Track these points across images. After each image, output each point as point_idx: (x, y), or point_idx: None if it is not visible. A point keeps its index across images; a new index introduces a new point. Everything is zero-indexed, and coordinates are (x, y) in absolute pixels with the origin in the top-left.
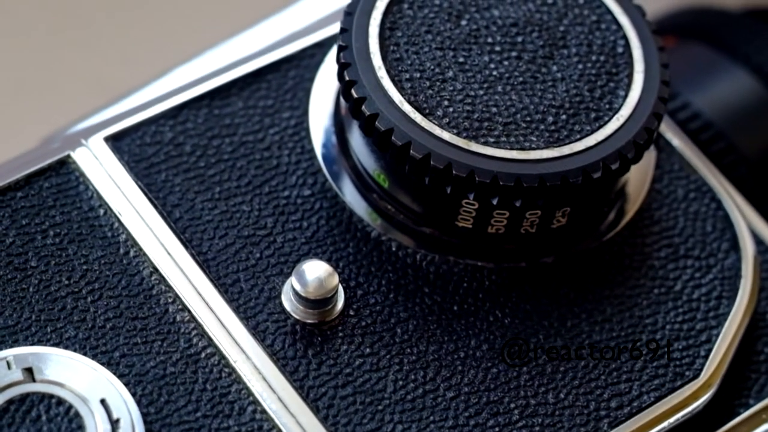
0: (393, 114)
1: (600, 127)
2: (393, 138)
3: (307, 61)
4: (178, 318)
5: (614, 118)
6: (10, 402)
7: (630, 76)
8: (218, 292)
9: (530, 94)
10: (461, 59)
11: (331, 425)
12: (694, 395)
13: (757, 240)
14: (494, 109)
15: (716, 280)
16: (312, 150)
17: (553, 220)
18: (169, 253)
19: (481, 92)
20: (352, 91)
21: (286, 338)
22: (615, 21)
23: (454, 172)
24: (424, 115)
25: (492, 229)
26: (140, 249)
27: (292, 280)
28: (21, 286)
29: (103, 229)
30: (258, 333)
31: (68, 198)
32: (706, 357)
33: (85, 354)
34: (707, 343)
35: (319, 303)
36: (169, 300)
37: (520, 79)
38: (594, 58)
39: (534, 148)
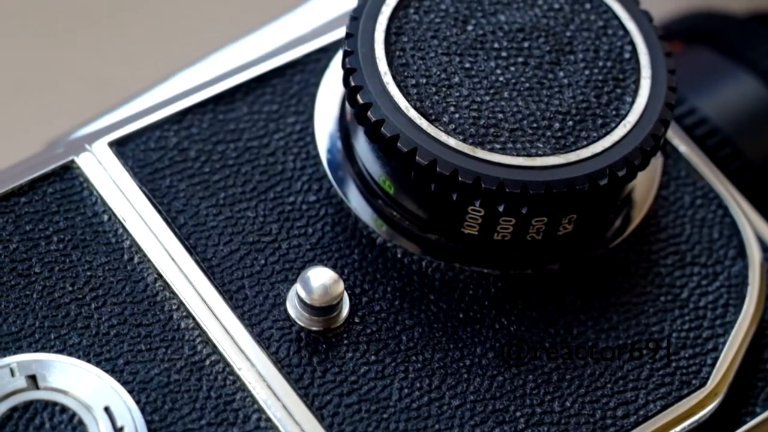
0: (399, 120)
1: (607, 133)
2: (399, 144)
3: (312, 65)
4: (183, 325)
5: (621, 124)
6: (13, 409)
7: (637, 82)
8: (223, 299)
9: (537, 100)
10: (467, 65)
11: None
12: (700, 404)
13: (764, 247)
14: (500, 116)
15: (723, 288)
16: (317, 155)
17: (560, 227)
18: (173, 260)
19: (488, 98)
20: (358, 97)
21: (291, 345)
22: (622, 26)
23: (460, 178)
24: (430, 122)
25: (498, 236)
26: (144, 255)
27: (297, 287)
28: (25, 292)
29: (107, 235)
30: (263, 340)
31: (72, 203)
32: (713, 365)
33: (89, 361)
34: (714, 351)
35: (324, 310)
36: (174, 306)
37: (527, 84)
38: (601, 63)
39: (540, 155)
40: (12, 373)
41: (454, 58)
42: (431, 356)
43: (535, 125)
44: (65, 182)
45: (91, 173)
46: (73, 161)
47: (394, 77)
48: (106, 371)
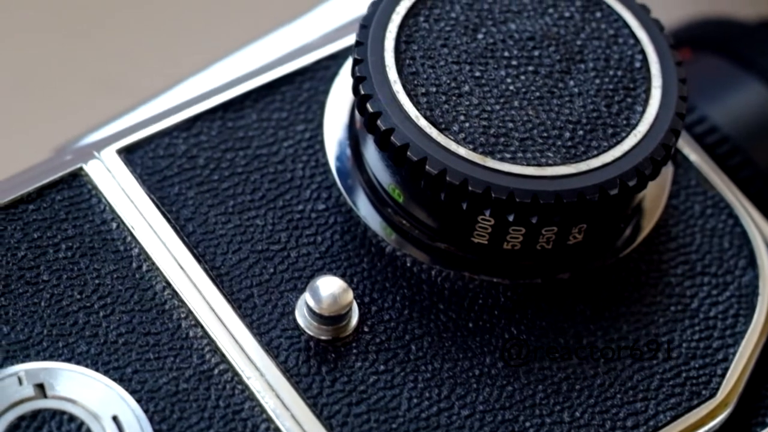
0: (409, 129)
1: (617, 143)
2: (409, 153)
3: (321, 73)
4: (191, 334)
5: (631, 134)
6: (21, 418)
7: (647, 92)
8: (231, 308)
9: (547, 110)
10: (477, 73)
11: None
12: (710, 414)
13: None
14: (511, 125)
15: (733, 298)
16: (326, 163)
17: (570, 237)
18: (182, 268)
19: (498, 107)
20: (368, 105)
21: (300, 355)
22: (632, 35)
23: (470, 188)
24: (440, 130)
25: (508, 246)
26: (153, 263)
27: (306, 296)
28: (33, 300)
29: (116, 243)
30: (271, 349)
31: (80, 211)
32: (723, 375)
33: (97, 370)
34: (724, 361)
35: (333, 319)
36: (182, 315)
37: (537, 94)
38: (611, 73)
39: (551, 165)
40: (20, 382)
41: (464, 66)
42: (440, 366)
43: (545, 134)
44: (73, 189)
45: (99, 181)
46: (81, 168)
47: (404, 86)
48: (114, 380)
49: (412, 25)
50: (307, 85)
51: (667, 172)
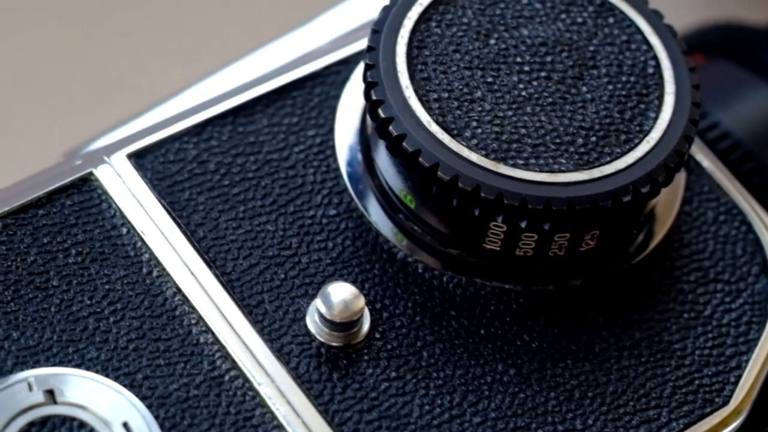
0: (420, 135)
1: (630, 149)
2: (420, 159)
3: (332, 77)
4: (202, 340)
5: (644, 140)
6: (31, 424)
7: (660, 98)
8: (242, 314)
9: (560, 116)
10: (490, 79)
11: None
12: (723, 422)
13: None
14: (523, 131)
15: (746, 305)
16: (338, 169)
17: (582, 243)
18: (192, 274)
19: (510, 113)
20: (379, 111)
21: (311, 361)
22: (645, 41)
23: (482, 194)
24: (452, 136)
25: (520, 252)
26: (163, 269)
27: (317, 302)
28: (42, 305)
29: (126, 248)
30: (282, 355)
31: (91, 216)
32: (736, 383)
33: (107, 375)
34: (737, 369)
35: (345, 326)
36: (193, 321)
37: (550, 99)
38: (624, 78)
39: (563, 171)
40: (29, 388)
41: (476, 72)
42: (452, 373)
43: (558, 141)
44: (83, 194)
45: (109, 185)
46: (91, 173)
47: (415, 91)
48: (125, 386)
49: (424, 30)
50: (318, 90)
51: (680, 178)
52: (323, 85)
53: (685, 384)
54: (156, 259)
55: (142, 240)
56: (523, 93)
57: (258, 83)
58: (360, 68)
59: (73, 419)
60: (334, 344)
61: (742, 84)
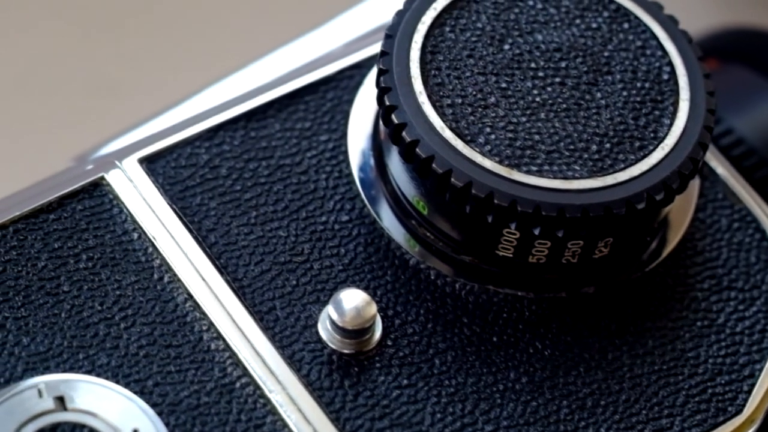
0: (434, 140)
1: (644, 156)
2: (434, 165)
3: (345, 82)
4: (213, 346)
5: (659, 147)
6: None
7: (675, 104)
8: (253, 320)
9: (574, 122)
10: (504, 85)
11: None
12: (736, 431)
13: None
14: (537, 137)
15: (760, 313)
16: (350, 174)
17: (595, 251)
18: (203, 279)
19: (524, 119)
20: (393, 117)
21: (323, 368)
22: (660, 47)
23: (495, 201)
24: (466, 142)
25: (533, 259)
26: (175, 275)
27: (329, 309)
28: (53, 311)
29: (137, 254)
30: (294, 362)
31: (102, 221)
32: (749, 392)
33: (117, 382)
34: (750, 377)
35: (357, 333)
36: (204, 327)
37: (564, 105)
38: (639, 85)
39: (577, 178)
40: (39, 394)
41: (490, 77)
42: (464, 380)
43: (572, 147)
44: (95, 199)
45: (121, 190)
46: (102, 178)
47: (429, 97)
48: (135, 393)
49: (438, 35)
50: (330, 94)
51: (694, 184)
52: (336, 89)
53: (698, 392)
54: (167, 264)
55: (153, 245)
56: (537, 99)
57: (270, 87)
58: (373, 73)
59: (83, 426)
60: (345, 351)
61: (756, 90)
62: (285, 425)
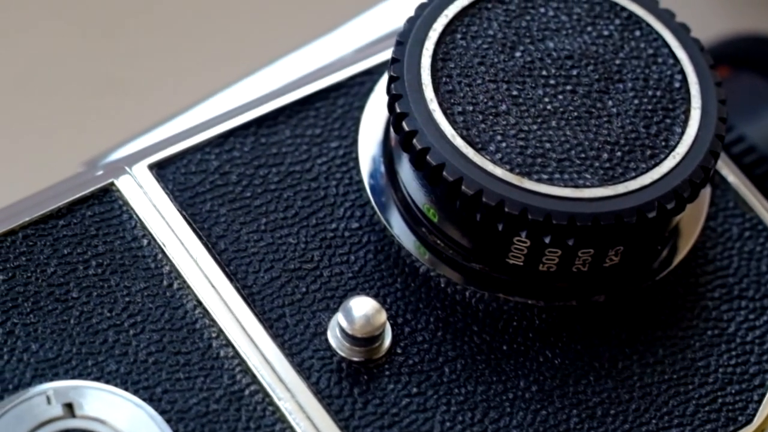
0: (444, 148)
1: (655, 165)
2: (444, 173)
3: (356, 88)
4: (222, 353)
5: (670, 155)
6: None
7: (687, 113)
8: (263, 327)
9: (585, 130)
10: (515, 92)
11: None
12: None
13: None
14: (548, 145)
15: None
16: (360, 181)
17: (606, 259)
18: (213, 286)
19: (535, 127)
20: (403, 124)
21: (332, 376)
22: (672, 55)
23: (506, 209)
24: (477, 150)
25: (543, 267)
26: (184, 281)
27: (339, 317)
28: (62, 317)
29: (147, 260)
30: (303, 370)
31: (111, 227)
32: (760, 401)
33: (126, 389)
34: (760, 387)
35: (366, 341)
36: (213, 335)
37: (575, 113)
38: (650, 93)
39: (588, 186)
40: (48, 401)
41: (501, 85)
42: (474, 389)
43: (583, 155)
44: (104, 205)
45: (130, 196)
46: (112, 184)
47: (440, 104)
48: (144, 400)
49: (449, 42)
50: (341, 101)
51: (705, 193)
52: (347, 96)
53: (708, 402)
54: (177, 271)
55: (162, 252)
56: (549, 107)
57: (281, 93)
58: (384, 79)
59: None
60: (355, 359)
61: (767, 97)
62: None
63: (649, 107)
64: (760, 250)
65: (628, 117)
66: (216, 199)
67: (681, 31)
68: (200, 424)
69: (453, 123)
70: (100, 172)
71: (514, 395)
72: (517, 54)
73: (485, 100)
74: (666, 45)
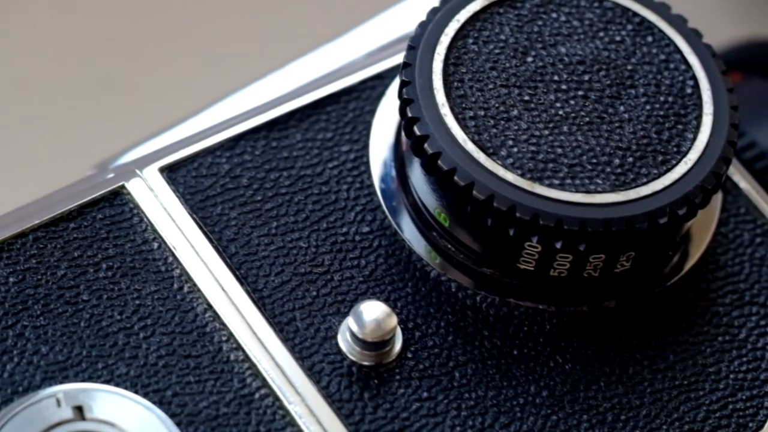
0: (456, 153)
1: (667, 170)
2: (456, 178)
3: (368, 93)
4: (232, 357)
5: (682, 161)
6: None
7: (698, 119)
8: (273, 331)
9: (596, 135)
10: (526, 97)
11: None
12: None
13: None
14: (559, 150)
15: None
16: (371, 185)
17: (617, 265)
18: (223, 290)
19: (547, 132)
20: (415, 129)
21: (342, 380)
22: (684, 60)
23: (517, 214)
24: (488, 155)
25: (554, 272)
26: (194, 285)
27: (349, 321)
28: (72, 320)
29: (157, 263)
30: (313, 374)
31: (122, 230)
32: None
33: (136, 392)
34: None
35: (377, 345)
36: (223, 338)
37: (587, 119)
38: (662, 98)
39: (599, 192)
40: (58, 404)
41: (513, 90)
42: (484, 394)
43: (594, 161)
44: (115, 208)
45: (141, 199)
46: (123, 186)
47: (451, 109)
48: (154, 403)
49: (461, 47)
50: (352, 105)
51: (716, 199)
52: (358, 100)
53: (719, 408)
54: (187, 274)
55: (173, 255)
56: (560, 112)
57: (292, 97)
58: (395, 83)
59: None
60: (365, 363)
61: None
62: None
63: (661, 113)
64: None
65: (639, 123)
66: (227, 202)
67: (693, 37)
68: (210, 428)
69: (464, 128)
70: (111, 175)
71: (524, 400)
72: (529, 59)
73: (497, 105)
74: (678, 51)
